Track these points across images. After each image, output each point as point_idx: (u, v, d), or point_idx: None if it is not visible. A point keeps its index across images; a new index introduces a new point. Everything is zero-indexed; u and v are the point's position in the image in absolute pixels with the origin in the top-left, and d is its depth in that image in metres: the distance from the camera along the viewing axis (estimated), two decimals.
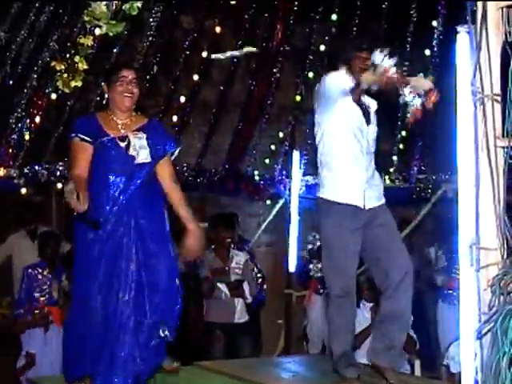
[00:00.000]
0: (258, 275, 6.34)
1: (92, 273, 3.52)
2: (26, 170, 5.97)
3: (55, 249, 5.96)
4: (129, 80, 3.65)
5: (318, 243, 5.81)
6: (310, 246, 6.39)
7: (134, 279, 3.51)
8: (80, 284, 3.62)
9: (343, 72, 3.77)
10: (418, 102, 3.61)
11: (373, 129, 3.90)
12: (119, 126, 3.66)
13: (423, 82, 3.60)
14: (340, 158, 3.79)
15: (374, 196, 3.80)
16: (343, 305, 3.71)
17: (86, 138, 3.60)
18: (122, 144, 3.61)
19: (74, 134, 3.62)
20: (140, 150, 3.61)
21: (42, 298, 5.86)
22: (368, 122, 3.86)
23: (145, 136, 3.65)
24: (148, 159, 3.62)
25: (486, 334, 2.24)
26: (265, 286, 6.31)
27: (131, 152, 3.60)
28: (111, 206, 3.54)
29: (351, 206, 3.72)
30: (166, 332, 3.55)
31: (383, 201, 3.86)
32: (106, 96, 3.71)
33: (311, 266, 6.29)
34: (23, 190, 6.08)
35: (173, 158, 3.78)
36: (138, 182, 3.59)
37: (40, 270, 5.88)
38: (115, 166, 3.58)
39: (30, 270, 5.87)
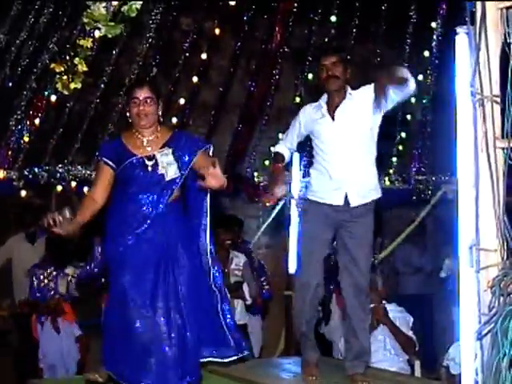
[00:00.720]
0: (263, 278, 6.36)
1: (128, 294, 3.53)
2: (25, 172, 5.96)
3: (62, 249, 5.99)
4: (141, 100, 3.65)
5: None
6: None
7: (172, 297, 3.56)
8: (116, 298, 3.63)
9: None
10: None
11: (343, 120, 3.89)
12: (145, 144, 3.69)
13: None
14: (317, 159, 3.99)
15: (357, 194, 3.84)
16: (305, 290, 3.92)
17: (109, 162, 3.67)
18: (150, 163, 3.64)
19: (99, 158, 3.73)
20: (168, 166, 3.64)
21: (50, 294, 5.93)
22: (333, 117, 3.89)
23: (171, 151, 3.67)
24: (177, 174, 3.65)
25: (486, 335, 2.24)
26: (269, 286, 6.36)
27: (160, 171, 3.62)
28: (142, 224, 3.59)
29: (327, 205, 3.88)
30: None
31: (370, 199, 3.90)
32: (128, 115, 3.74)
33: None
34: (23, 193, 6.07)
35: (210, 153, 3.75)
36: (168, 196, 3.64)
37: (43, 268, 5.94)
38: (144, 184, 3.63)
39: (35, 270, 5.94)
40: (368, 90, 3.84)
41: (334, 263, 4.22)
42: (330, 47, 4.10)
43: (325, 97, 4.00)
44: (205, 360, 3.68)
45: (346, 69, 3.89)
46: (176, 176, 3.64)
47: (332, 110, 3.92)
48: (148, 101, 3.66)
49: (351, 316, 3.93)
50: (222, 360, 3.72)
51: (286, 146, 4.24)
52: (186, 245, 3.68)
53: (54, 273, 5.97)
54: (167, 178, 3.62)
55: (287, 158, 4.26)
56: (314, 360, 4.06)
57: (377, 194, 3.96)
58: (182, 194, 3.77)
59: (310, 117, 4.02)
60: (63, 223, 3.48)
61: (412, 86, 3.73)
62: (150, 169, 3.62)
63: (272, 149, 4.26)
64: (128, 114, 3.73)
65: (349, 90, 3.92)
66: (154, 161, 3.64)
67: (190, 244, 3.73)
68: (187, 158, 3.67)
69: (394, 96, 3.76)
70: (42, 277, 5.96)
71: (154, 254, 3.60)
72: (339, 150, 3.87)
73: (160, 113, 3.76)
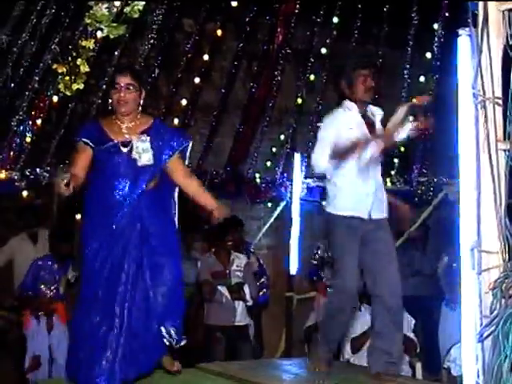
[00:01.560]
0: (262, 279, 6.36)
1: (97, 274, 3.55)
2: (27, 173, 5.97)
3: (67, 248, 5.99)
4: (122, 86, 3.62)
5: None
6: (319, 252, 6.36)
7: (139, 280, 3.54)
8: (85, 285, 3.64)
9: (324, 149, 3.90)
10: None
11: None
12: (123, 131, 3.67)
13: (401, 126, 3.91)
14: (343, 173, 3.92)
15: (378, 208, 3.90)
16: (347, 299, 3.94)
17: (88, 141, 3.64)
18: (125, 149, 3.62)
19: (78, 139, 3.69)
20: (143, 152, 3.61)
21: (48, 292, 5.89)
22: (372, 133, 3.91)
23: (149, 138, 3.64)
24: (150, 161, 3.62)
25: (487, 337, 2.24)
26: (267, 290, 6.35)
27: (134, 155, 3.60)
28: (117, 210, 3.57)
29: (356, 218, 3.90)
30: (172, 333, 3.56)
31: (386, 215, 3.95)
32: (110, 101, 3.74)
33: (324, 271, 6.25)
34: (24, 193, 6.08)
35: (188, 153, 3.79)
36: (143, 185, 3.61)
37: (49, 263, 5.92)
38: (119, 170, 3.60)
39: (39, 262, 5.91)
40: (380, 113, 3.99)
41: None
42: (369, 60, 4.22)
43: (352, 106, 3.99)
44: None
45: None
46: (149, 163, 3.62)
47: (366, 123, 3.98)
48: (130, 87, 3.63)
49: (391, 325, 3.93)
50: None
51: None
52: (160, 232, 3.65)
53: (57, 270, 5.95)
54: (139, 164, 3.59)
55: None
56: (326, 357, 4.08)
57: (387, 210, 4.03)
58: (157, 184, 3.73)
59: (345, 124, 3.98)
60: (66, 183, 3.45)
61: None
62: (124, 155, 3.61)
63: (322, 165, 3.99)
64: (110, 100, 3.72)
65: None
66: (129, 146, 3.62)
67: (164, 232, 3.69)
68: (164, 156, 3.67)
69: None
70: (43, 272, 5.93)
71: (125, 249, 3.57)
72: (375, 163, 3.94)
73: (141, 101, 3.72)
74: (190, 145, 3.80)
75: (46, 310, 5.84)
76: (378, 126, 4.01)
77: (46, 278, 5.91)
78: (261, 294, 6.35)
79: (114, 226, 3.56)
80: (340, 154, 3.82)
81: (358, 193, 3.91)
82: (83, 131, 3.74)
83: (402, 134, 4.01)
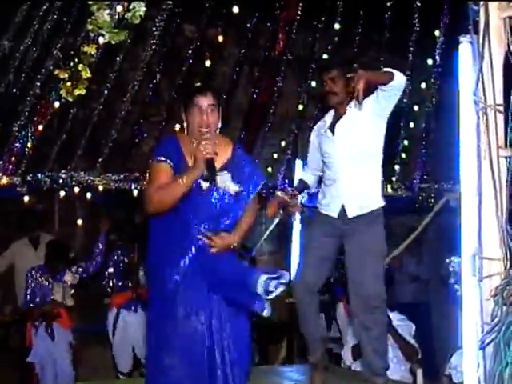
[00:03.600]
0: None
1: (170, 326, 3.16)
2: (28, 178, 5.97)
3: (62, 260, 6.01)
4: (205, 108, 3.23)
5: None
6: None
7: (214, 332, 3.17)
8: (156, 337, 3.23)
9: None
10: None
11: (342, 133, 3.91)
12: None
13: None
14: (324, 173, 4.06)
15: (356, 205, 3.86)
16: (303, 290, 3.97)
17: (169, 161, 3.23)
18: (205, 184, 3.23)
19: (161, 158, 3.24)
20: (228, 183, 3.25)
21: (46, 301, 5.92)
22: (333, 132, 3.92)
23: (230, 176, 3.27)
24: (240, 187, 3.28)
25: (488, 344, 2.24)
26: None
27: (215, 196, 3.24)
28: (190, 255, 3.20)
29: (327, 215, 3.95)
30: None
31: (369, 209, 3.90)
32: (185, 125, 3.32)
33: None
34: (26, 198, 6.08)
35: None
36: (222, 227, 3.26)
37: (40, 273, 5.95)
38: (198, 209, 3.23)
39: (33, 272, 5.94)
40: (368, 100, 3.85)
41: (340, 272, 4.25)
42: (331, 61, 4.10)
43: (332, 111, 4.05)
44: None
45: (347, 83, 3.84)
46: (239, 190, 3.26)
47: (333, 124, 3.97)
48: (214, 108, 3.26)
49: (361, 335, 3.92)
50: None
51: (309, 173, 4.29)
52: (234, 280, 3.21)
53: (50, 279, 5.97)
54: (232, 192, 3.25)
55: (312, 184, 4.29)
56: (321, 365, 4.07)
57: (377, 203, 3.94)
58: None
59: (317, 133, 4.13)
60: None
61: (398, 78, 3.65)
62: (204, 191, 3.22)
63: (298, 177, 4.30)
64: (185, 124, 3.31)
65: (351, 103, 3.92)
66: (210, 182, 3.22)
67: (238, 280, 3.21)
68: (247, 193, 3.32)
69: (383, 93, 3.74)
70: (39, 280, 5.96)
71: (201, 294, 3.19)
72: (339, 164, 3.92)
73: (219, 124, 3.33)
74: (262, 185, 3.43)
75: (45, 317, 5.84)
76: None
77: (40, 289, 5.93)
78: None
79: (185, 273, 3.18)
80: None
81: (332, 190, 3.95)
82: (162, 149, 3.29)
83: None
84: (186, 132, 3.32)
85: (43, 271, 6.00)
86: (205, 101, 3.25)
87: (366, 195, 3.91)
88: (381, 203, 3.94)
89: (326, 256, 3.98)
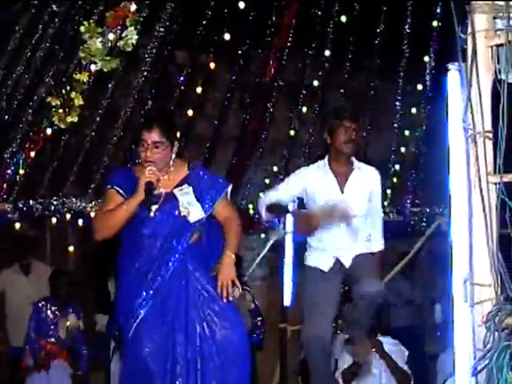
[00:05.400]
0: (258, 318, 6.33)
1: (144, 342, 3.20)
2: (20, 205, 5.96)
3: (67, 288, 5.96)
4: (149, 144, 3.22)
5: None
6: None
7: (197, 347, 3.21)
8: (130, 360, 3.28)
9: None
10: None
11: (351, 195, 3.90)
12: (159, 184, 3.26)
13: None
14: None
15: (353, 251, 3.89)
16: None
17: (120, 191, 3.28)
18: (154, 207, 3.23)
19: (109, 186, 3.32)
20: (190, 207, 3.26)
21: (48, 338, 5.82)
22: (342, 190, 3.89)
23: (191, 189, 3.30)
24: (201, 214, 3.29)
25: (481, 370, 2.23)
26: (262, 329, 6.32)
27: (183, 211, 3.25)
28: (157, 277, 3.22)
29: (322, 270, 3.94)
30: None
31: (367, 250, 3.94)
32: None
33: None
34: (17, 225, 6.07)
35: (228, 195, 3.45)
36: (188, 239, 3.28)
37: (49, 306, 5.87)
38: (157, 227, 3.25)
39: (40, 305, 5.87)
40: (372, 173, 3.93)
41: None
42: (353, 111, 3.99)
43: (326, 161, 3.95)
44: None
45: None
46: (200, 217, 3.27)
47: (341, 181, 3.89)
48: (159, 145, 3.23)
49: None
50: None
51: (277, 197, 4.10)
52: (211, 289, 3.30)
53: (57, 312, 5.91)
54: (191, 220, 3.25)
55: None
56: None
57: (376, 247, 3.99)
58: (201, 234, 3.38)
59: (313, 180, 3.95)
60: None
61: None
62: (165, 209, 3.23)
63: (264, 200, 4.06)
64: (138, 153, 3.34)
65: (354, 159, 3.94)
66: (169, 200, 3.26)
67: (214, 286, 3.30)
68: (210, 202, 3.33)
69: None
70: (44, 314, 5.88)
71: (170, 314, 3.24)
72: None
73: (173, 154, 3.32)
74: (230, 189, 3.46)
75: (43, 366, 5.76)
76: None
77: (46, 322, 5.85)
78: (254, 335, 6.33)
79: (159, 291, 3.22)
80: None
81: (328, 246, 3.93)
82: (116, 177, 3.36)
83: None
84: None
85: (52, 304, 5.92)
86: (148, 137, 3.22)
87: (364, 248, 3.95)
88: (379, 247, 4.00)
89: (332, 300, 3.96)
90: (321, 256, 3.94)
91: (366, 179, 3.91)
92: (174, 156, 3.33)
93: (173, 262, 3.25)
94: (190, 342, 3.21)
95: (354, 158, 3.93)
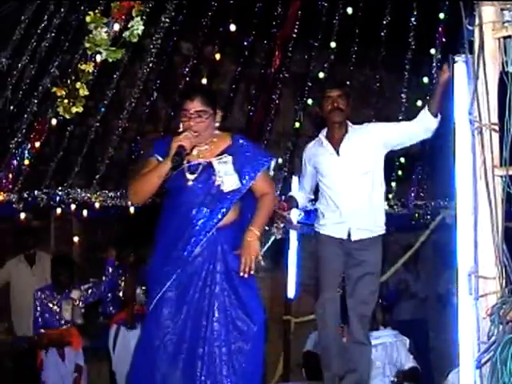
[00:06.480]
0: None
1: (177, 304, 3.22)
2: (25, 195, 5.96)
3: (68, 274, 5.99)
4: (192, 114, 3.23)
5: None
6: None
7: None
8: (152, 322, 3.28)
9: None
10: None
11: (348, 154, 3.92)
12: (196, 154, 3.30)
13: None
14: (322, 193, 4.10)
15: (360, 229, 3.88)
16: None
17: (160, 159, 3.28)
18: (192, 176, 3.23)
19: (150, 154, 3.33)
20: (225, 176, 3.23)
21: (56, 324, 5.87)
22: (338, 152, 3.92)
23: (230, 159, 3.27)
24: (236, 185, 3.25)
25: (485, 363, 2.23)
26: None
27: (217, 180, 3.23)
28: (193, 243, 3.22)
29: (334, 237, 4.02)
30: None
31: (376, 234, 3.93)
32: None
33: None
34: (22, 215, 6.08)
35: (271, 172, 3.45)
36: (224, 211, 3.24)
37: (48, 293, 5.91)
38: (194, 197, 3.24)
39: (39, 293, 5.91)
40: (368, 128, 3.91)
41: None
42: (336, 80, 4.19)
43: (324, 131, 4.05)
44: None
45: (348, 103, 3.94)
46: (236, 187, 3.24)
47: (336, 144, 3.95)
48: (202, 115, 3.24)
49: (352, 345, 3.94)
50: None
51: (301, 193, 4.35)
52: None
53: (59, 296, 5.94)
54: (224, 189, 3.22)
55: (301, 204, 4.31)
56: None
57: (380, 230, 4.01)
58: (238, 216, 3.35)
59: (313, 153, 4.12)
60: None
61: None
62: (189, 180, 3.23)
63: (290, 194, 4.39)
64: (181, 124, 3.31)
65: (349, 124, 3.98)
66: (206, 171, 3.23)
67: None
68: (247, 176, 3.28)
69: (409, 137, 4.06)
70: (46, 301, 5.92)
71: (192, 294, 3.24)
72: (345, 184, 3.92)
73: (217, 123, 3.34)
74: (274, 162, 3.45)
75: (57, 344, 5.78)
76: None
77: (51, 305, 5.89)
78: None
79: (190, 261, 3.21)
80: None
81: (337, 212, 3.98)
82: (157, 146, 3.36)
83: None
84: None
85: (50, 291, 5.96)
86: (192, 107, 3.24)
87: (371, 219, 3.96)
88: (383, 230, 4.01)
89: (338, 271, 4.04)
90: (334, 222, 4.02)
91: (362, 135, 3.97)
92: (217, 125, 3.34)
93: (204, 235, 3.21)
94: (209, 326, 3.22)
95: (349, 123, 3.99)
